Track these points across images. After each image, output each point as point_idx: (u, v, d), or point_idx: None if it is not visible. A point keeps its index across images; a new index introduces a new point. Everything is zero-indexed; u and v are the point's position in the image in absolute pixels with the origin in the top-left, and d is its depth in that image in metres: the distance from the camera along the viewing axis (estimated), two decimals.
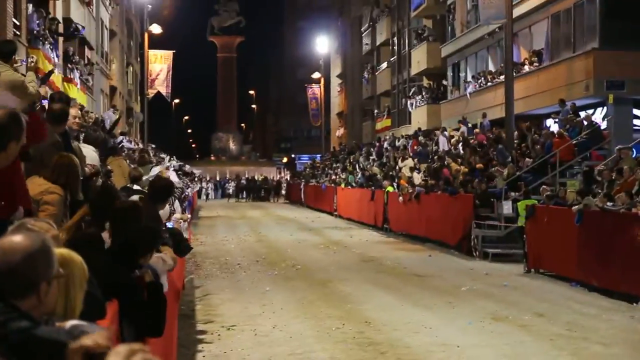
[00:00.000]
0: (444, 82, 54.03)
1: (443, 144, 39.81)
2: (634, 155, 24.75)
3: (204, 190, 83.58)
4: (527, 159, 29.01)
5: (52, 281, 3.15)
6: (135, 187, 12.99)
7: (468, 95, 46.02)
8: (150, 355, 2.33)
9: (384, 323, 14.58)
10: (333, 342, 13.07)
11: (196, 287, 19.56)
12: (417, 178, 35.36)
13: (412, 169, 37.46)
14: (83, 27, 34.49)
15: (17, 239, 3.02)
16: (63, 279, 3.61)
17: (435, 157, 37.14)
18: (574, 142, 28.56)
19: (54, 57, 27.22)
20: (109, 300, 5.30)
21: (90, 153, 11.32)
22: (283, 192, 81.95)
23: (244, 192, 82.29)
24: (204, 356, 12.22)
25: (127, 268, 6.27)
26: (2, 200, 5.67)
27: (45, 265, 3.08)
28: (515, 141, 31.57)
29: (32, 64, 20.55)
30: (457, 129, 40.60)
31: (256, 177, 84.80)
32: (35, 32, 25.52)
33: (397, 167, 40.35)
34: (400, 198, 34.19)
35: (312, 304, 16.83)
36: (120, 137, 23.16)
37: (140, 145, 36.54)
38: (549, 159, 28.14)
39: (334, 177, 56.68)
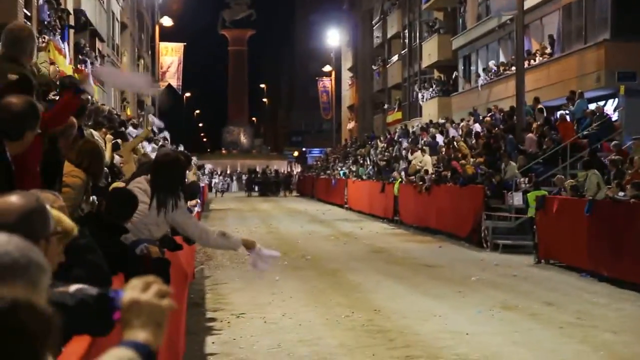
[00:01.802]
0: (455, 74, 53.96)
1: (454, 136, 39.69)
2: None
3: (215, 184, 79.56)
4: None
5: (50, 239, 3.15)
6: None
7: (479, 87, 45.96)
8: (164, 285, 2.35)
9: (393, 311, 14.58)
10: (342, 329, 13.09)
11: (206, 277, 19.60)
12: (429, 165, 35.24)
13: (422, 153, 37.42)
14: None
15: (12, 199, 3.03)
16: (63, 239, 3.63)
17: (444, 147, 36.94)
18: (585, 133, 28.46)
19: (64, 48, 27.23)
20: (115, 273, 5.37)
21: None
22: (293, 185, 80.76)
23: (256, 187, 79.16)
24: (213, 342, 12.24)
25: (117, 236, 6.38)
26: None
27: (42, 223, 3.08)
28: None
29: (44, 44, 20.54)
30: (468, 121, 40.52)
31: (267, 171, 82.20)
32: (45, 22, 25.55)
33: (407, 160, 40.29)
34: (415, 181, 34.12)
35: (321, 293, 16.85)
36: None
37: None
38: (559, 150, 28.12)
39: (344, 170, 56.71)
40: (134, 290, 2.36)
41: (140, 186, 7.95)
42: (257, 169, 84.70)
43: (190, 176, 11.76)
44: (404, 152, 43.45)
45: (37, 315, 1.80)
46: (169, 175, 7.98)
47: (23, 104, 5.40)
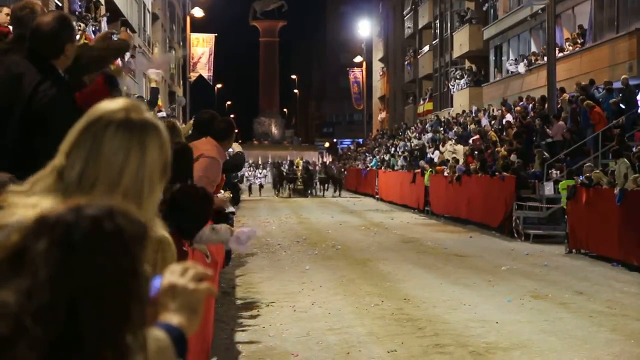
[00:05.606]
0: (482, 71, 53.96)
1: (485, 125, 39.59)
2: None
3: (246, 178, 61.84)
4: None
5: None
6: None
7: (522, 72, 45.37)
8: (201, 269, 2.39)
9: (422, 300, 14.58)
10: (371, 318, 13.10)
11: (236, 266, 19.66)
12: (461, 155, 35.22)
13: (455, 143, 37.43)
14: None
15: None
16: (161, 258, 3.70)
17: (477, 137, 36.84)
18: (615, 122, 28.18)
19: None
20: None
21: None
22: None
23: (284, 183, 59.41)
24: (242, 330, 12.30)
25: None
26: None
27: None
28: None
29: (79, 31, 20.60)
30: (499, 110, 40.38)
31: (307, 165, 61.01)
32: (77, 13, 25.66)
33: (439, 150, 40.23)
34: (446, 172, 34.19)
35: (351, 282, 16.86)
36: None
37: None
38: (589, 140, 27.91)
39: (376, 158, 56.56)
40: (172, 275, 2.39)
41: None
42: (288, 160, 71.58)
43: (235, 147, 11.52)
44: (434, 142, 43.40)
45: (132, 221, 1.91)
46: (180, 164, 7.79)
47: (53, 20, 5.36)
